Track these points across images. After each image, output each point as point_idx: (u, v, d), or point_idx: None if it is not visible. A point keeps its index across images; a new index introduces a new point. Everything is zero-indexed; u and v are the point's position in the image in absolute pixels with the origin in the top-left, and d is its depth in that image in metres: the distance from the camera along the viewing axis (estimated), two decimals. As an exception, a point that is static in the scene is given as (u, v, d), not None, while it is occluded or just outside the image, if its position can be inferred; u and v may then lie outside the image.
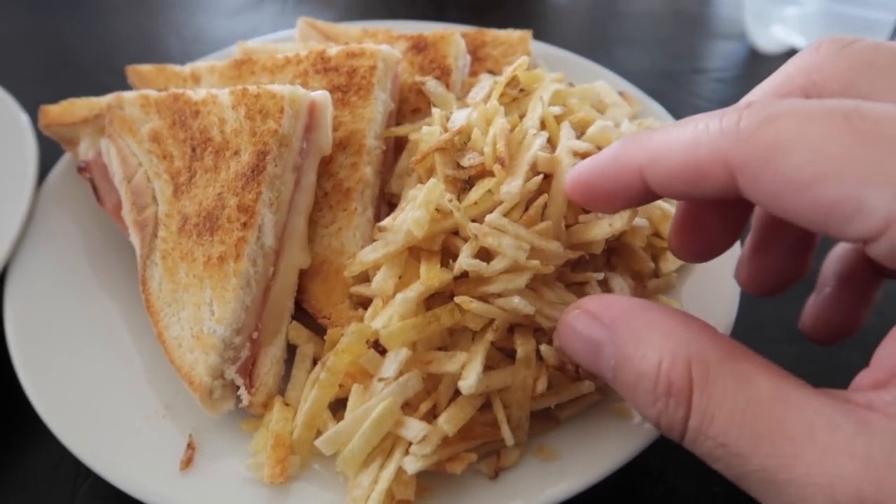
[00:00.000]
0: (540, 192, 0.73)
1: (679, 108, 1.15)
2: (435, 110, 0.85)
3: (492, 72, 1.07)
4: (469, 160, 0.77)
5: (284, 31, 1.31)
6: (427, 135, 0.81)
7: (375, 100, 0.89)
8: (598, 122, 0.83)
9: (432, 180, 0.74)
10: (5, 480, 0.81)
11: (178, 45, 1.56)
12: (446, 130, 0.82)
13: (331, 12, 1.66)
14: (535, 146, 0.74)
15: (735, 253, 0.88)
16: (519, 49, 1.13)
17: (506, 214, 0.72)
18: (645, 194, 0.54)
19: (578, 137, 0.85)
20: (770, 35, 1.49)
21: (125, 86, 1.11)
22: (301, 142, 0.82)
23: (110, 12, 1.66)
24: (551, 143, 0.81)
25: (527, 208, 0.73)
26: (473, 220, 0.73)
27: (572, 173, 0.61)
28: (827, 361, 0.93)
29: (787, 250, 0.65)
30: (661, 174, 0.51)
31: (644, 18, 1.68)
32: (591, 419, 0.74)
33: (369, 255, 0.77)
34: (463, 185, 0.78)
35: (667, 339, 0.48)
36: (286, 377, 0.79)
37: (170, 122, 0.86)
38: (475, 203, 0.74)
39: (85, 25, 1.62)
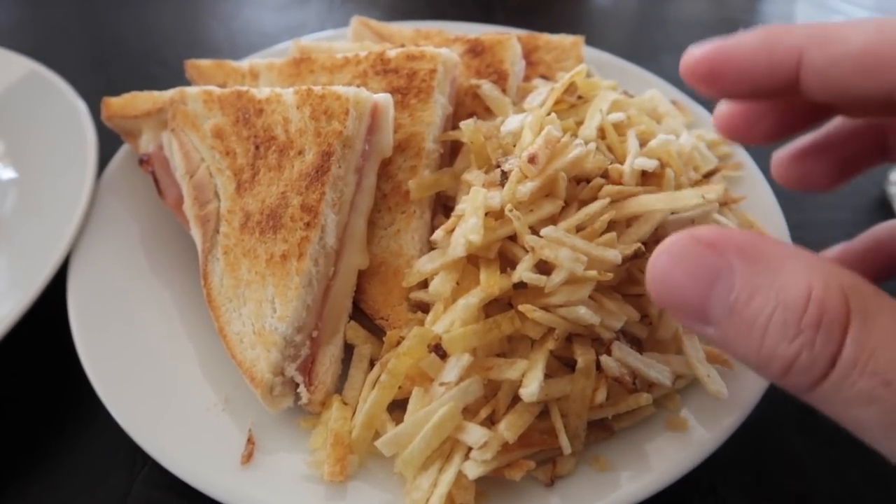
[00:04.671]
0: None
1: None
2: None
3: (545, 76, 1.08)
4: (510, 165, 0.78)
5: (335, 28, 1.31)
6: (465, 127, 0.83)
7: (435, 103, 0.90)
8: (661, 136, 0.83)
9: (474, 188, 0.76)
10: (64, 465, 0.83)
11: (226, 37, 1.57)
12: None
13: (377, 10, 1.66)
14: (570, 154, 0.75)
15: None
16: (571, 54, 1.13)
17: (561, 217, 0.73)
18: (787, 84, 0.50)
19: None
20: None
21: (175, 77, 1.13)
22: (363, 143, 0.83)
23: (160, 3, 1.68)
24: (614, 153, 0.82)
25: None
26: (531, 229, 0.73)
27: (701, 47, 0.55)
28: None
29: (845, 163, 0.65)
30: (825, 60, 0.48)
31: (689, 25, 1.67)
32: (646, 431, 0.75)
33: (427, 265, 0.78)
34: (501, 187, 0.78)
35: (814, 268, 0.42)
36: (342, 376, 0.80)
37: (233, 119, 0.88)
38: (531, 211, 0.74)
39: (134, 16, 1.64)
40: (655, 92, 1.05)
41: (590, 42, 1.20)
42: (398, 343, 0.76)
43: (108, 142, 1.05)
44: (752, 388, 0.76)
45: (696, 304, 0.45)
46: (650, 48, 1.60)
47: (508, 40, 1.02)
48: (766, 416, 0.85)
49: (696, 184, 0.90)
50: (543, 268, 0.73)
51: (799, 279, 0.42)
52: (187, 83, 1.08)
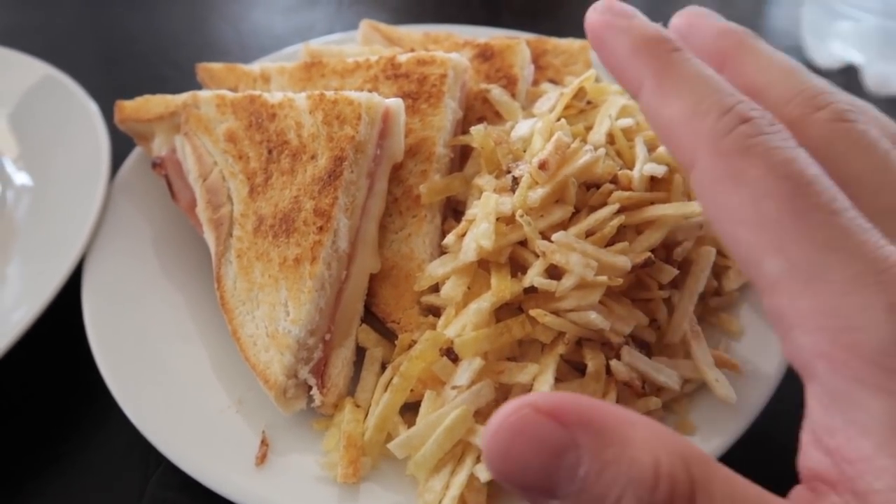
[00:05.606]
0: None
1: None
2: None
3: (553, 80, 1.08)
4: (520, 171, 0.79)
5: (344, 30, 1.32)
6: (476, 133, 0.84)
7: (445, 108, 0.91)
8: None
9: (485, 194, 0.77)
10: (78, 465, 0.84)
11: (236, 39, 1.58)
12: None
13: (385, 11, 1.67)
14: (580, 160, 0.76)
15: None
16: (580, 58, 1.13)
17: (572, 223, 0.74)
18: None
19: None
20: (828, 50, 1.47)
21: (186, 78, 1.14)
22: (375, 148, 0.84)
23: (169, 4, 1.69)
24: (623, 159, 0.82)
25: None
26: (542, 234, 0.74)
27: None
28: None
29: None
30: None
31: (697, 28, 1.67)
32: (655, 434, 0.75)
33: (438, 269, 0.79)
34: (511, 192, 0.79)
35: (657, 437, 0.42)
36: (354, 379, 0.81)
37: (246, 123, 0.89)
38: (541, 216, 0.75)
39: (144, 17, 1.65)
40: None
41: (597, 45, 1.21)
42: (410, 346, 0.77)
43: (120, 144, 1.06)
44: (760, 393, 0.77)
45: (542, 479, 0.43)
46: (657, 51, 1.60)
47: (518, 45, 1.03)
48: (774, 421, 0.85)
49: (704, 189, 0.90)
50: (554, 273, 0.73)
51: (646, 452, 0.41)
52: (198, 85, 1.09)
